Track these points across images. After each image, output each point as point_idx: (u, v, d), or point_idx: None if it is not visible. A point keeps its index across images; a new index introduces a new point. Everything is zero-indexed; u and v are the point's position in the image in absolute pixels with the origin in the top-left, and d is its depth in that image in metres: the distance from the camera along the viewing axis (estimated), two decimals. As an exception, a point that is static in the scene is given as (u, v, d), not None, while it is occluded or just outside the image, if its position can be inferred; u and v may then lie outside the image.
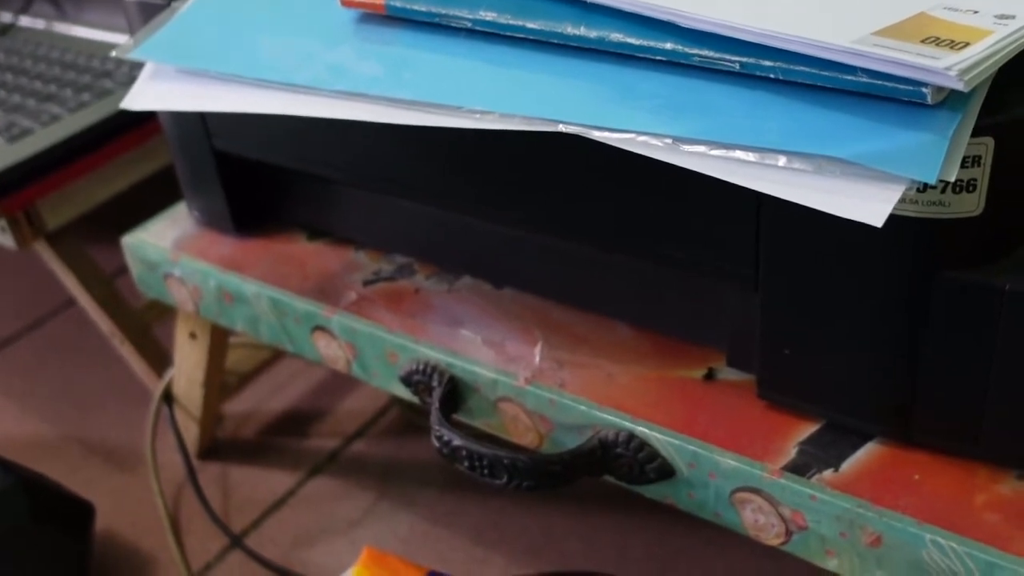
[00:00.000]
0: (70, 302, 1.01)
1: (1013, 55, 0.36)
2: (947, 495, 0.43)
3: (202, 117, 0.62)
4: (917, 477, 0.44)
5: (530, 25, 0.44)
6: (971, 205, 0.38)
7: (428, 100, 0.44)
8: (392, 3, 0.48)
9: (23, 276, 1.08)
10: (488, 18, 0.45)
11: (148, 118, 0.81)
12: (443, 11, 0.46)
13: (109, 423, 0.87)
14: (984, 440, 0.43)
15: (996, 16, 0.38)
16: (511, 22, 0.45)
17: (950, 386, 0.42)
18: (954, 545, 0.41)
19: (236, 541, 0.74)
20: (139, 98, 0.53)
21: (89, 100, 0.82)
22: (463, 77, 0.45)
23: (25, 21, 1.02)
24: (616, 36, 0.42)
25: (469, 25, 0.46)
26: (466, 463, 0.49)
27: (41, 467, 0.82)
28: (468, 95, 0.44)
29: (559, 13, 0.44)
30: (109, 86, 0.84)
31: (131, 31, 0.61)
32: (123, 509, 0.78)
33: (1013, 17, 0.37)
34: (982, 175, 0.38)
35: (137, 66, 0.55)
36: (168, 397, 0.79)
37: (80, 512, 0.71)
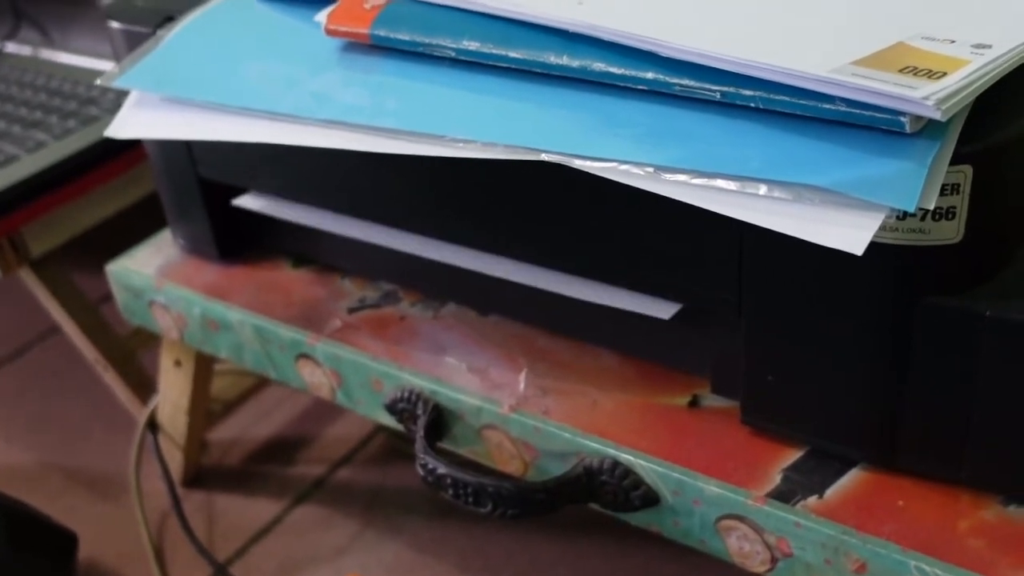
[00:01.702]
0: (54, 329, 1.01)
1: (990, 84, 0.37)
2: (931, 521, 0.43)
3: (187, 145, 0.62)
4: (901, 503, 0.44)
5: (513, 54, 0.44)
6: (951, 232, 0.39)
7: (411, 129, 0.45)
8: (376, 32, 0.48)
9: (7, 303, 1.08)
10: (471, 47, 0.46)
11: (133, 145, 0.81)
12: (427, 40, 0.47)
13: (93, 451, 0.86)
14: (967, 466, 0.43)
15: (973, 46, 0.38)
16: (494, 51, 0.45)
17: (933, 412, 0.42)
18: (939, 572, 0.41)
19: (221, 570, 0.74)
20: (124, 126, 0.53)
21: (74, 127, 0.82)
22: (446, 106, 0.45)
23: (11, 47, 1.02)
24: (598, 65, 0.42)
25: (453, 54, 0.46)
26: (451, 491, 0.49)
27: (23, 496, 0.82)
28: (451, 124, 0.44)
29: (542, 43, 0.44)
30: (95, 113, 0.84)
31: (116, 59, 0.61)
32: (107, 538, 0.78)
33: (990, 47, 0.38)
34: (961, 202, 0.38)
35: (123, 94, 0.55)
36: (153, 425, 0.79)
37: (63, 541, 0.71)
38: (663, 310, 0.48)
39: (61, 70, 0.94)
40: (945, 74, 0.36)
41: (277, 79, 0.50)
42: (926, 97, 0.34)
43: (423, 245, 0.55)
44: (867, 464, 0.45)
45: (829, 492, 0.45)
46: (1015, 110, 0.39)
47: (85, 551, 0.76)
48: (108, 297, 0.90)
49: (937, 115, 0.34)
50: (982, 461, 0.42)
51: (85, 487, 0.83)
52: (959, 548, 0.42)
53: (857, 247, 0.35)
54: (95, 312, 0.82)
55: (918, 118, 0.36)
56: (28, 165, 0.77)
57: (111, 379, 0.82)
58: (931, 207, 0.35)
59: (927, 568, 0.41)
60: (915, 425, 0.43)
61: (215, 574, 0.74)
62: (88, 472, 0.84)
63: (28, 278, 0.79)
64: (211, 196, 0.63)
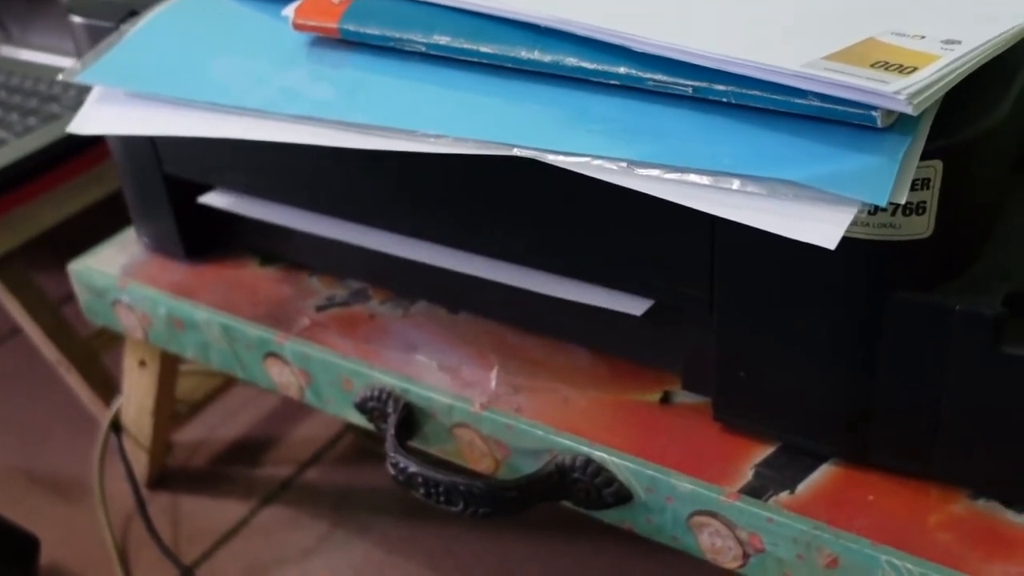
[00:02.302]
0: (15, 330, 0.99)
1: (960, 79, 0.37)
2: (901, 516, 0.43)
3: (152, 141, 0.61)
4: (871, 498, 0.44)
5: (484, 49, 0.44)
6: (921, 227, 0.39)
7: (382, 124, 0.44)
8: (346, 27, 0.48)
9: (-34, 304, 1.06)
10: (442, 42, 0.45)
11: (96, 142, 0.80)
12: (397, 35, 0.46)
13: (55, 453, 0.85)
14: (937, 460, 0.43)
15: (943, 41, 0.38)
16: (465, 46, 0.45)
17: (903, 407, 0.42)
18: (909, 566, 0.41)
19: (187, 573, 0.73)
20: (86, 122, 0.52)
21: (35, 125, 0.80)
22: (417, 101, 0.45)
23: (-30, 44, 1.01)
24: (570, 60, 0.42)
25: (423, 49, 0.46)
26: (422, 490, 0.49)
27: (-16, 500, 0.80)
28: (422, 119, 0.44)
29: (513, 37, 0.44)
30: (56, 110, 0.83)
31: (79, 54, 0.60)
32: (70, 541, 0.76)
33: (959, 43, 0.38)
34: (931, 197, 0.38)
35: (85, 91, 0.54)
36: (116, 426, 0.78)
37: (24, 545, 0.69)
38: (635, 307, 0.47)
39: (21, 67, 0.93)
40: (916, 69, 0.36)
41: (244, 74, 0.49)
42: (898, 91, 0.34)
43: (393, 243, 0.55)
44: (838, 460, 0.46)
45: (801, 487, 0.45)
46: (984, 106, 0.39)
47: (47, 555, 0.75)
48: (70, 297, 0.89)
49: (908, 109, 0.34)
50: (951, 456, 0.43)
51: (47, 490, 0.81)
52: (929, 542, 0.42)
53: (830, 242, 0.35)
54: (57, 312, 0.80)
55: (889, 113, 0.36)
56: (-12, 163, 0.76)
57: (74, 380, 0.81)
58: (902, 202, 0.35)
59: (898, 562, 0.41)
60: (886, 420, 0.43)
61: (181, 577, 0.73)
62: (51, 475, 0.83)
63: (-12, 278, 0.78)
64: (176, 193, 0.62)
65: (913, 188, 0.38)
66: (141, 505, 0.76)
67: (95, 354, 0.81)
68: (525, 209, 0.48)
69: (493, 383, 0.52)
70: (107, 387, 0.81)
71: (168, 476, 0.81)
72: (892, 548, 0.42)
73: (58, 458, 0.84)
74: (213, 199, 0.61)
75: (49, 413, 0.89)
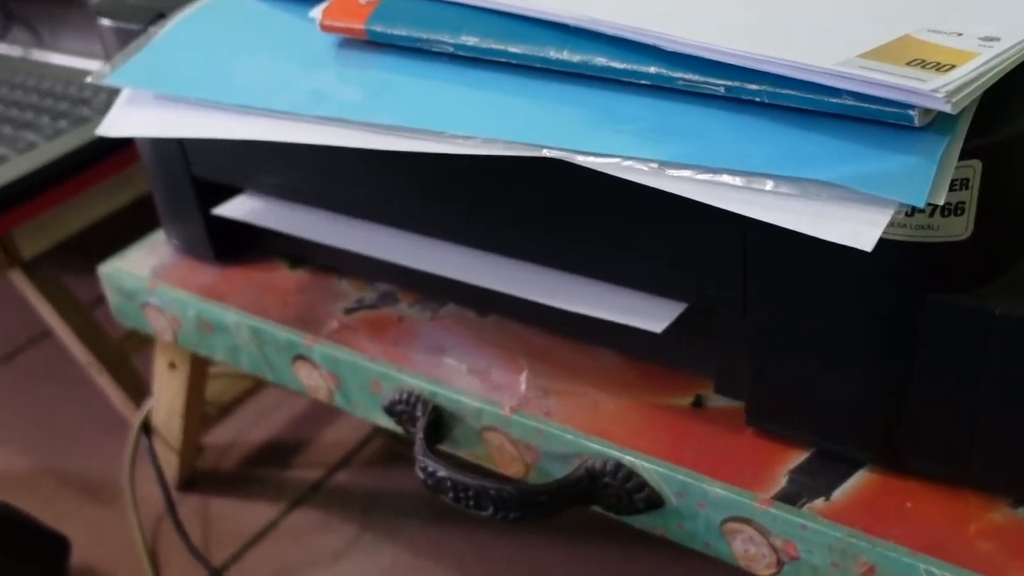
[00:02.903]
0: (46, 332, 0.99)
1: (999, 77, 0.36)
2: (940, 524, 0.42)
3: (180, 144, 0.61)
4: (909, 505, 0.43)
5: (513, 49, 0.44)
6: (959, 228, 0.38)
7: (409, 125, 0.44)
8: (372, 28, 0.47)
9: (-1, 306, 1.07)
10: (470, 43, 0.45)
11: (125, 145, 0.80)
12: (424, 36, 0.46)
13: (86, 455, 0.85)
14: (976, 467, 0.42)
15: (981, 39, 0.37)
16: (493, 46, 0.44)
17: (940, 412, 0.41)
18: (948, 575, 0.40)
19: (216, 575, 0.73)
20: (115, 125, 0.52)
21: (66, 127, 0.81)
22: (445, 102, 0.44)
23: (1, 48, 1.01)
24: (600, 60, 0.42)
25: (451, 50, 0.45)
26: (451, 494, 0.48)
27: (15, 500, 0.80)
28: (450, 120, 0.43)
29: (542, 37, 0.43)
30: (86, 113, 0.83)
31: (107, 57, 0.60)
32: (100, 543, 0.77)
33: (998, 39, 0.37)
34: (970, 198, 0.37)
35: (114, 94, 0.54)
36: (147, 428, 0.78)
37: (55, 546, 0.70)
38: (655, 323, 0.46)
39: (52, 71, 0.93)
40: (954, 67, 0.35)
41: (272, 76, 0.49)
42: (936, 89, 0.33)
43: (416, 253, 0.54)
44: (874, 466, 0.45)
45: (836, 494, 0.44)
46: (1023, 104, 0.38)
47: (78, 556, 0.75)
48: (101, 299, 0.89)
49: (947, 108, 0.33)
50: (991, 462, 0.42)
51: (78, 491, 0.82)
52: (969, 551, 0.41)
53: (866, 243, 0.34)
54: (87, 314, 0.81)
55: (927, 111, 0.35)
56: (19, 166, 0.76)
57: (104, 382, 0.81)
58: (941, 202, 0.35)
59: (936, 571, 0.40)
60: (923, 426, 0.42)
61: (210, 579, 0.73)
62: (81, 476, 0.83)
63: (19, 280, 0.78)
64: (205, 196, 0.62)
65: (951, 188, 0.37)
66: (171, 507, 0.76)
67: (125, 356, 0.82)
68: (555, 211, 0.48)
69: (523, 386, 0.52)
70: (137, 389, 0.81)
71: (198, 478, 0.81)
72: (931, 557, 0.41)
73: (88, 460, 0.85)
74: (229, 210, 0.61)
75: (80, 415, 0.90)
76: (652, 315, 0.47)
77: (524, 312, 0.55)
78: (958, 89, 0.33)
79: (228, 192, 0.62)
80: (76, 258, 0.90)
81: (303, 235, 0.58)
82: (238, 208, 0.61)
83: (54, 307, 0.79)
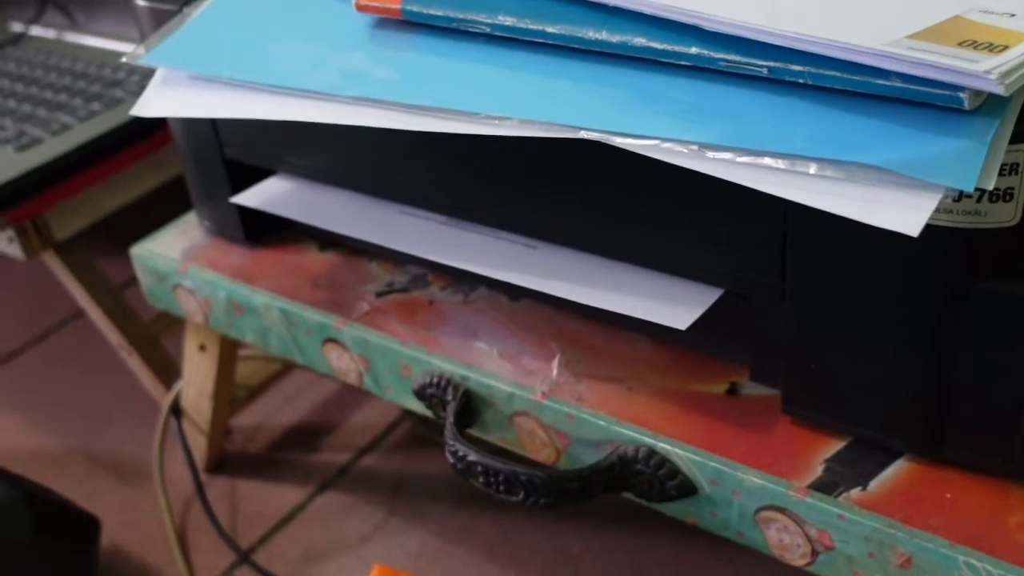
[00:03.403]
0: (78, 313, 1.00)
1: (1052, 59, 0.35)
2: (980, 515, 0.41)
3: (213, 125, 0.61)
4: (949, 496, 0.42)
5: (550, 30, 0.43)
6: (1008, 215, 0.37)
7: (445, 106, 0.43)
8: (408, 7, 0.47)
9: (31, 287, 1.07)
10: (507, 23, 0.44)
11: (158, 127, 0.80)
12: (461, 15, 0.45)
13: (116, 436, 0.86)
14: (1019, 458, 0.41)
15: (1033, 20, 0.36)
16: (531, 27, 0.44)
17: (983, 401, 0.41)
18: (989, 567, 0.39)
19: (244, 557, 0.73)
20: (150, 105, 0.52)
21: (99, 110, 0.81)
22: (481, 83, 0.44)
23: (36, 31, 1.02)
24: (639, 41, 0.41)
25: (487, 30, 0.45)
26: (481, 479, 0.48)
27: (46, 480, 0.81)
28: (486, 101, 0.43)
29: (580, 17, 0.43)
30: (119, 96, 0.83)
31: (142, 36, 0.60)
32: (130, 523, 0.77)
33: (1051, 20, 0.36)
34: (1019, 183, 0.36)
35: (148, 76, 0.54)
36: (176, 410, 0.78)
37: (86, 526, 0.70)
38: (680, 320, 0.46)
39: (86, 52, 0.94)
40: (1006, 48, 0.34)
41: (306, 56, 0.49)
42: (988, 71, 0.32)
43: (439, 246, 0.54)
44: (913, 455, 0.44)
45: (873, 484, 0.43)
46: (1076, 88, 0.37)
47: (107, 536, 0.76)
48: (132, 281, 0.90)
49: (1000, 89, 0.33)
50: (1034, 453, 0.41)
51: (108, 472, 0.82)
52: (1010, 543, 0.40)
53: (913, 229, 0.34)
54: (119, 296, 0.81)
55: (977, 94, 0.34)
56: (52, 148, 0.76)
57: (135, 364, 0.81)
58: (991, 187, 0.34)
59: (976, 563, 0.40)
60: (964, 415, 0.41)
61: (238, 561, 0.73)
62: (111, 457, 0.84)
63: (52, 262, 0.78)
64: (237, 178, 0.62)
65: (1000, 173, 0.36)
66: (200, 489, 0.77)
67: (156, 338, 0.82)
68: (591, 195, 0.47)
69: (554, 372, 0.51)
70: (167, 371, 0.82)
71: (227, 460, 0.81)
72: (970, 548, 0.40)
73: (119, 441, 0.85)
74: (246, 199, 0.60)
75: (110, 396, 0.90)
76: (677, 311, 0.46)
77: (556, 297, 0.55)
78: (1012, 70, 0.33)
79: (260, 174, 0.62)
80: (108, 240, 0.90)
81: (322, 225, 0.57)
82: (257, 196, 0.61)
83: (86, 289, 0.79)
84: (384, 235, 0.55)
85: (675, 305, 0.47)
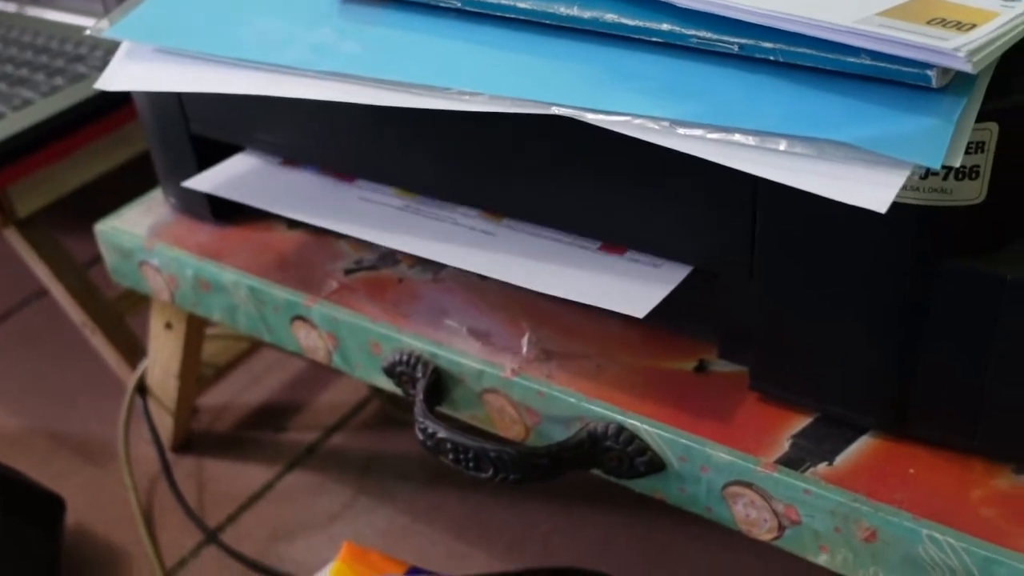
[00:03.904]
0: (41, 292, 0.99)
1: (1019, 38, 0.35)
2: (943, 490, 0.42)
3: (179, 100, 0.60)
4: (912, 471, 0.43)
5: (521, 5, 0.43)
6: (973, 193, 0.38)
7: (415, 81, 0.43)
8: (378, -18, 0.46)
9: (-8, 265, 1.06)
10: (478, -2, 0.44)
11: (122, 103, 0.79)
12: (431, -10, 0.45)
13: (80, 416, 0.85)
14: (981, 434, 0.42)
15: (1001, -1, 0.37)
16: (502, 2, 0.43)
17: (947, 378, 0.41)
18: (951, 540, 0.40)
19: (212, 536, 0.73)
20: (114, 78, 0.51)
21: (62, 84, 0.80)
22: (452, 58, 0.44)
23: (-4, 4, 1.00)
24: (610, 17, 0.41)
25: (458, 5, 0.45)
26: (451, 456, 0.48)
27: (10, 461, 0.80)
28: (457, 76, 0.43)
29: (551, -7, 0.42)
30: (82, 71, 0.82)
31: (105, 9, 0.59)
32: (95, 503, 0.76)
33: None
34: (985, 162, 0.37)
35: (111, 51, 0.53)
36: (142, 389, 0.77)
37: (50, 506, 0.69)
38: (638, 308, 0.45)
39: (48, 27, 0.92)
40: (974, 26, 0.34)
41: (275, 31, 0.48)
42: (957, 48, 0.33)
43: (394, 231, 0.53)
44: (878, 431, 0.45)
45: (839, 459, 0.44)
46: (1041, 67, 0.38)
47: (73, 516, 0.75)
48: (96, 260, 0.89)
49: (968, 67, 0.33)
50: (996, 429, 0.41)
51: (73, 452, 0.81)
52: (972, 517, 0.41)
53: (881, 205, 0.34)
54: (83, 274, 0.80)
55: (945, 72, 0.35)
56: (14, 123, 0.75)
57: (99, 342, 0.81)
58: (957, 165, 0.34)
59: (939, 536, 0.40)
60: (928, 391, 0.42)
61: (206, 540, 0.73)
62: (76, 437, 0.83)
63: (14, 239, 0.77)
64: (204, 154, 0.61)
65: (967, 152, 0.36)
66: (166, 468, 0.76)
67: (120, 317, 0.81)
68: (561, 171, 0.47)
69: (524, 349, 0.51)
70: (133, 350, 0.81)
71: (193, 440, 0.81)
72: (934, 522, 0.41)
73: (84, 421, 0.84)
74: (198, 183, 0.59)
75: (74, 376, 0.89)
76: (636, 299, 0.46)
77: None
78: (979, 48, 0.33)
79: (227, 150, 0.61)
80: (72, 217, 0.89)
81: (277, 210, 0.56)
82: (210, 180, 0.59)
83: (49, 267, 0.78)
84: (340, 221, 0.54)
85: (634, 293, 0.46)
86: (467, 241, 0.51)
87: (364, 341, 0.55)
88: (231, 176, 0.60)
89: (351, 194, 0.57)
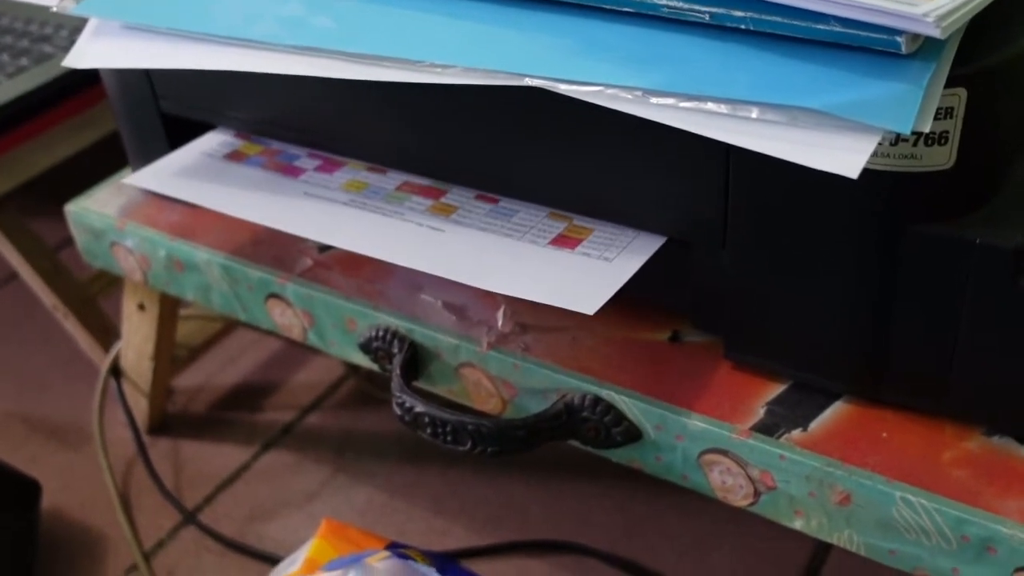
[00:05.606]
0: (11, 275, 0.98)
1: (985, 4, 0.36)
2: (915, 452, 0.43)
3: (148, 78, 0.59)
4: (885, 435, 0.44)
5: (492, -23, 0.43)
6: (942, 158, 0.38)
7: (387, 54, 0.43)
8: (348, -45, 0.46)
9: (-40, 250, 1.04)
10: (448, -30, 0.44)
11: (90, 83, 0.78)
12: (401, -37, 0.45)
13: (54, 399, 0.84)
14: (952, 397, 0.43)
15: (968, -35, 0.37)
16: (472, -26, 0.43)
17: (918, 342, 0.42)
18: (923, 501, 0.41)
19: (189, 517, 0.72)
20: (82, 56, 0.51)
21: (28, 65, 0.79)
22: (423, 31, 0.43)
23: (-42, -15, 0.98)
24: (582, -13, 0.41)
25: (429, -23, 0.45)
26: (429, 430, 0.48)
27: (-17, 445, 0.80)
28: (428, 49, 0.42)
29: (522, -36, 0.42)
30: (48, 51, 0.81)
31: (72, -13, 0.58)
32: (71, 487, 0.76)
33: (986, -34, 0.37)
34: (954, 127, 0.37)
35: (78, 30, 0.53)
36: (116, 371, 0.77)
37: (25, 490, 0.69)
38: (588, 305, 0.44)
39: (11, 7, 0.91)
40: (942, -8, 0.35)
41: (244, 5, 0.48)
42: (926, 14, 0.33)
43: (343, 230, 0.51)
44: (851, 397, 0.45)
45: (813, 425, 0.44)
46: (1008, 34, 0.38)
47: (48, 500, 0.75)
48: (67, 243, 0.88)
49: (936, 32, 0.33)
50: (966, 392, 0.42)
51: (47, 436, 0.81)
52: (944, 478, 0.41)
53: (852, 171, 0.34)
54: (53, 256, 0.79)
55: (914, 38, 0.35)
56: (-21, 104, 0.74)
57: (71, 325, 0.80)
58: (926, 130, 0.34)
59: (912, 498, 0.41)
60: (900, 356, 0.43)
61: (183, 521, 0.72)
62: (50, 421, 0.82)
63: (-18, 222, 0.77)
64: (174, 132, 0.61)
65: (936, 117, 0.37)
66: (142, 450, 0.76)
67: (92, 299, 0.81)
68: (535, 144, 0.47)
69: (500, 322, 0.51)
70: (106, 332, 0.80)
71: (169, 421, 0.81)
72: (906, 484, 0.41)
73: (57, 404, 0.84)
74: (139, 180, 0.57)
75: (47, 360, 0.88)
76: (586, 295, 0.45)
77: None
78: (948, 13, 0.33)
79: (197, 128, 0.61)
80: (41, 200, 0.88)
81: (218, 208, 0.54)
82: (152, 177, 0.57)
83: (18, 250, 0.77)
84: (283, 219, 0.52)
85: (584, 289, 0.46)
86: (415, 238, 0.50)
87: (339, 318, 0.55)
88: (174, 172, 0.58)
89: (296, 189, 0.55)
